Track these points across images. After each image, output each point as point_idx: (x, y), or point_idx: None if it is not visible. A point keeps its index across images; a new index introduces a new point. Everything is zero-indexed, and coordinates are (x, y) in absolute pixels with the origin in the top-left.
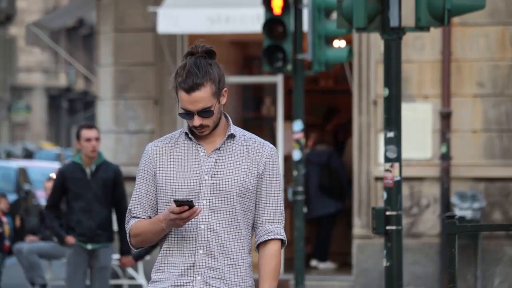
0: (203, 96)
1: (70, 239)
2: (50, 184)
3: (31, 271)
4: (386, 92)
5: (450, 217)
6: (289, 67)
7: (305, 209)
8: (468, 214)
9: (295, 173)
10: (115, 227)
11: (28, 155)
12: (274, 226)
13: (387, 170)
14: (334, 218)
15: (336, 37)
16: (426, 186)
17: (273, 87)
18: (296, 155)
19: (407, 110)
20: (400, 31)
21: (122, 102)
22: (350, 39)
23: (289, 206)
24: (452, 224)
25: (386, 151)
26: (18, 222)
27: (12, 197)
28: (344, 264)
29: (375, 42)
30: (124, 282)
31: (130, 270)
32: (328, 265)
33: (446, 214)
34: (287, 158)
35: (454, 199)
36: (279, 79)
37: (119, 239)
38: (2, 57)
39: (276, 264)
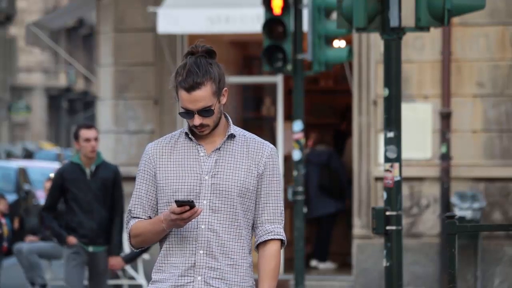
0: (203, 95)
1: (72, 240)
2: (49, 184)
3: (31, 271)
4: (386, 92)
5: (450, 217)
6: (289, 67)
7: (305, 209)
8: (468, 214)
9: (295, 173)
10: None
11: (28, 155)
12: (274, 226)
13: (387, 170)
14: (334, 218)
15: (336, 37)
16: (426, 186)
17: (273, 87)
18: (296, 155)
19: (407, 110)
20: (400, 31)
21: (122, 102)
22: (350, 39)
23: (289, 206)
24: (452, 224)
25: (386, 151)
26: (16, 223)
27: (12, 197)
28: (344, 264)
29: (375, 42)
30: (124, 282)
31: (130, 270)
32: (328, 265)
33: (446, 214)
34: (287, 158)
35: (454, 199)
36: (279, 79)
37: (109, 239)
38: (2, 57)
39: (276, 264)
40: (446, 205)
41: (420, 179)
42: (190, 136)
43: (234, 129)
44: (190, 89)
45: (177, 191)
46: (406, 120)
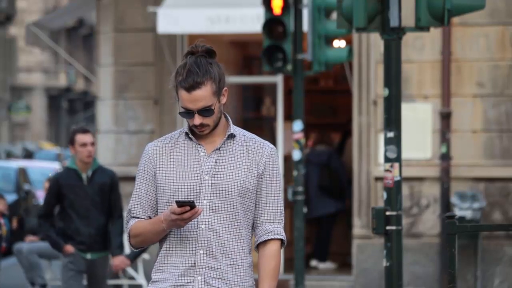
0: (203, 94)
1: (69, 248)
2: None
3: (31, 271)
4: (386, 92)
5: (450, 217)
6: (289, 67)
7: (305, 209)
8: (468, 214)
9: (295, 173)
10: None
11: (28, 155)
12: (274, 226)
13: (387, 170)
14: (334, 218)
15: (336, 37)
16: (426, 186)
17: (273, 87)
18: (296, 155)
19: (407, 110)
20: (400, 31)
21: (122, 102)
22: (350, 39)
23: (289, 206)
24: (452, 224)
25: (386, 151)
26: (15, 223)
27: (12, 197)
28: (344, 264)
29: (375, 42)
30: (124, 282)
31: (130, 270)
32: (328, 265)
33: (446, 214)
34: (287, 158)
35: (454, 199)
36: (279, 79)
37: (110, 240)
38: (2, 57)
39: (276, 264)
40: (446, 205)
41: (420, 179)
42: (190, 136)
43: (234, 129)
44: (190, 88)
45: (177, 191)
46: (406, 120)
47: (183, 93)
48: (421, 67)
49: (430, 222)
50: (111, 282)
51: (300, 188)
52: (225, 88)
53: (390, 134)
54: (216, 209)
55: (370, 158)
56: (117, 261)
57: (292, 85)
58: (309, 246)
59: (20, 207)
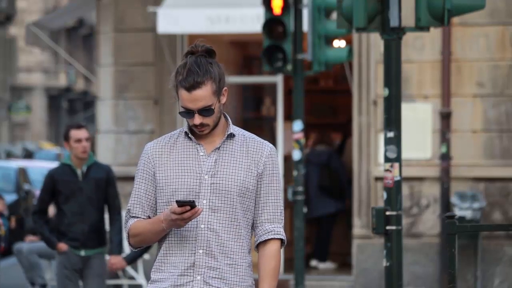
0: (203, 94)
1: (63, 246)
2: None
3: (31, 271)
4: (386, 92)
5: (450, 217)
6: (289, 67)
7: (305, 209)
8: (468, 214)
9: (295, 173)
10: (107, 227)
11: (28, 155)
12: (274, 226)
13: (387, 170)
14: (334, 218)
15: (336, 37)
16: (426, 186)
17: (273, 87)
18: (296, 155)
19: (407, 110)
20: (400, 31)
21: (122, 102)
22: (350, 39)
23: (289, 206)
24: (452, 224)
25: (386, 151)
26: (13, 223)
27: (12, 197)
28: (344, 264)
29: (375, 42)
30: (124, 282)
31: (130, 270)
32: (328, 265)
33: (446, 214)
34: (287, 158)
35: (454, 199)
36: (279, 79)
37: (109, 238)
38: (2, 57)
39: (276, 264)
40: (446, 205)
41: (420, 179)
42: (189, 135)
43: (234, 129)
44: (190, 88)
45: (177, 190)
46: (406, 120)
47: (183, 93)
48: (421, 67)
49: (430, 222)
50: (111, 282)
51: (300, 188)
52: (225, 88)
53: (390, 134)
54: (215, 209)
55: (370, 158)
56: (114, 260)
57: (292, 85)
58: (309, 246)
59: (20, 207)
